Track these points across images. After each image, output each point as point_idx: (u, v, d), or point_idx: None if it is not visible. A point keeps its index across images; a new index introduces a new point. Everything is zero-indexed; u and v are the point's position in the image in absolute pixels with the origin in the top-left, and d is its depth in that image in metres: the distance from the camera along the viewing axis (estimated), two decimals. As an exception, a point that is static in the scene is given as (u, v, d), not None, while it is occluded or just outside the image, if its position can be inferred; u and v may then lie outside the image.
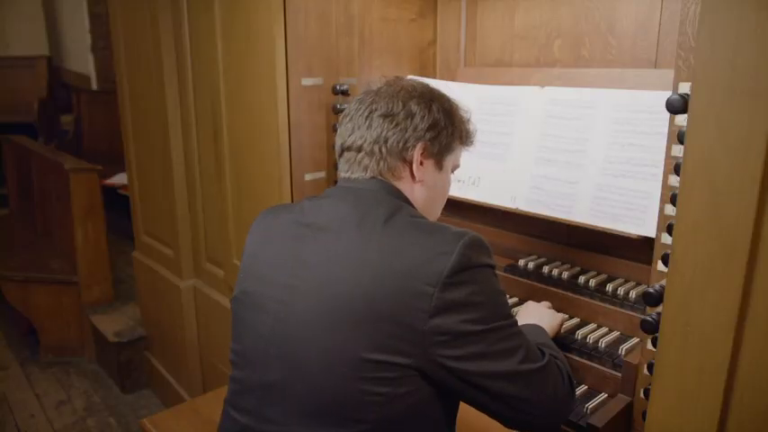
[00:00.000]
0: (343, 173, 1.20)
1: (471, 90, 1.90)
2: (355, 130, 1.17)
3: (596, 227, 1.56)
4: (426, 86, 1.21)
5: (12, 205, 4.98)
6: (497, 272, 1.11)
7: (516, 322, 1.09)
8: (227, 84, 2.18)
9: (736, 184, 0.88)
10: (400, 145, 1.14)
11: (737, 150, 0.87)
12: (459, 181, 1.88)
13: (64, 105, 7.09)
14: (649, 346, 1.22)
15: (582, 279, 1.61)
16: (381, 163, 1.15)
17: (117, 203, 4.67)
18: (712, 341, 0.94)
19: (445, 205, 1.36)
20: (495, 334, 1.02)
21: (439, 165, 1.21)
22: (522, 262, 1.75)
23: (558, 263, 1.73)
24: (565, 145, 1.64)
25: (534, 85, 1.75)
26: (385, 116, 1.14)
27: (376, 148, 1.14)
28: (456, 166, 1.29)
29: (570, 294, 1.59)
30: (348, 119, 1.19)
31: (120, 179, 4.79)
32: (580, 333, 1.49)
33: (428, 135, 1.16)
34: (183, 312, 2.72)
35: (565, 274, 1.65)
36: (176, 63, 2.51)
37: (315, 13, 1.85)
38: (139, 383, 3.28)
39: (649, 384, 1.15)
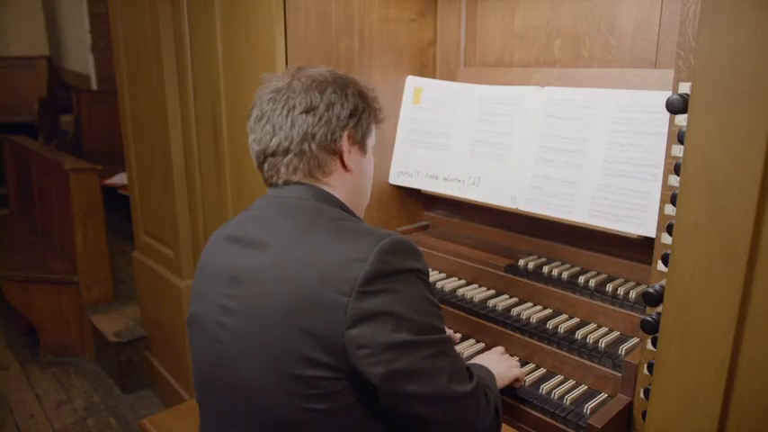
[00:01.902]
0: (270, 181, 1.14)
1: (471, 90, 1.90)
2: (277, 131, 1.08)
3: (596, 227, 1.56)
4: (333, 72, 1.15)
5: (12, 205, 4.98)
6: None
7: (445, 339, 1.01)
8: (227, 84, 2.18)
9: (736, 184, 0.88)
10: (328, 138, 1.09)
11: (737, 150, 0.87)
12: (459, 181, 1.89)
13: (64, 105, 7.09)
14: (649, 346, 1.22)
15: (582, 279, 1.61)
16: (312, 161, 1.09)
17: (117, 203, 4.67)
18: (712, 341, 0.94)
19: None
20: (419, 349, 0.95)
21: (363, 149, 1.18)
22: (522, 262, 1.75)
23: (557, 263, 1.73)
24: (565, 145, 1.64)
25: (534, 85, 1.75)
26: (307, 111, 1.07)
27: (305, 147, 1.08)
28: (374, 145, 1.24)
29: (570, 294, 1.59)
30: (264, 121, 1.10)
31: (120, 179, 4.78)
32: (580, 333, 1.49)
33: (351, 122, 1.11)
34: (182, 312, 2.72)
35: (565, 274, 1.65)
36: (176, 63, 2.51)
37: (315, 13, 1.84)
38: (139, 383, 3.27)
39: (649, 384, 1.15)
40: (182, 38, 2.42)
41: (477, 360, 1.38)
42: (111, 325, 3.35)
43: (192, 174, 2.58)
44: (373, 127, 1.20)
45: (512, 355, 1.57)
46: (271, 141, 1.09)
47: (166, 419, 1.71)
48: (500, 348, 1.54)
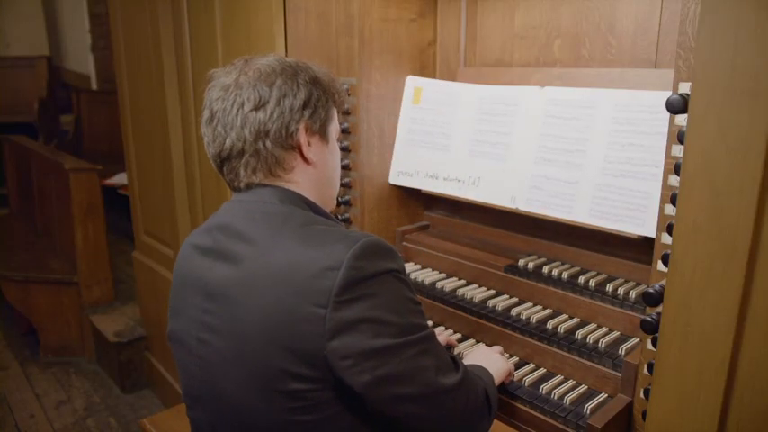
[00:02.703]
0: (232, 185, 1.09)
1: (471, 90, 1.90)
2: (229, 132, 1.03)
3: (596, 227, 1.56)
4: (282, 61, 1.08)
5: (12, 205, 4.98)
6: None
7: (430, 334, 0.99)
8: (227, 84, 2.18)
9: (736, 184, 0.88)
10: (283, 133, 1.03)
11: (737, 150, 0.87)
12: (459, 181, 1.89)
13: (64, 105, 7.10)
14: (649, 346, 1.22)
15: (582, 279, 1.61)
16: (270, 159, 1.04)
17: (117, 203, 4.68)
18: (712, 341, 0.94)
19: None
20: (402, 351, 0.93)
21: (324, 138, 1.12)
22: (522, 262, 1.75)
23: (557, 263, 1.73)
24: (565, 145, 1.64)
25: (534, 85, 1.75)
26: (257, 108, 1.01)
27: (260, 146, 1.02)
28: (337, 132, 1.18)
29: (570, 294, 1.59)
30: (215, 122, 1.05)
31: (120, 179, 4.79)
32: (580, 333, 1.49)
33: (306, 113, 1.05)
34: (182, 312, 2.72)
35: (565, 274, 1.65)
36: (176, 63, 2.51)
37: (315, 12, 1.84)
38: (139, 383, 3.28)
39: (649, 384, 1.15)
40: (182, 38, 2.42)
41: (470, 360, 1.38)
42: (111, 325, 3.36)
43: (191, 174, 2.58)
44: (334, 113, 1.14)
45: (512, 356, 1.57)
46: (224, 143, 1.04)
47: (166, 419, 1.71)
48: (482, 345, 1.57)
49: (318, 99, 1.08)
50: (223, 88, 1.04)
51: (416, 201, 2.15)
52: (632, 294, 1.52)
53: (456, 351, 1.60)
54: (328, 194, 1.17)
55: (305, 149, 1.06)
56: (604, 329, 1.51)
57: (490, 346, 1.59)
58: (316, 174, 1.10)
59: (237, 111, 1.02)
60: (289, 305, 0.91)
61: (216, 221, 1.08)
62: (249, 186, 1.06)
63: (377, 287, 0.92)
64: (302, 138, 1.05)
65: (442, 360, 1.01)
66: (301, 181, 1.08)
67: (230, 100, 1.03)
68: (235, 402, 0.99)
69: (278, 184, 1.06)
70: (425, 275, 1.88)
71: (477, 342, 1.65)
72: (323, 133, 1.11)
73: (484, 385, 1.12)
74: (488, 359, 1.39)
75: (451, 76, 2.06)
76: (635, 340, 1.44)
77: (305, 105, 1.05)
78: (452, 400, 1.01)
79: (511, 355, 1.57)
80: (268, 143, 1.03)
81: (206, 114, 1.07)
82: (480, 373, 1.23)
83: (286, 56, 1.84)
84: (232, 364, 0.97)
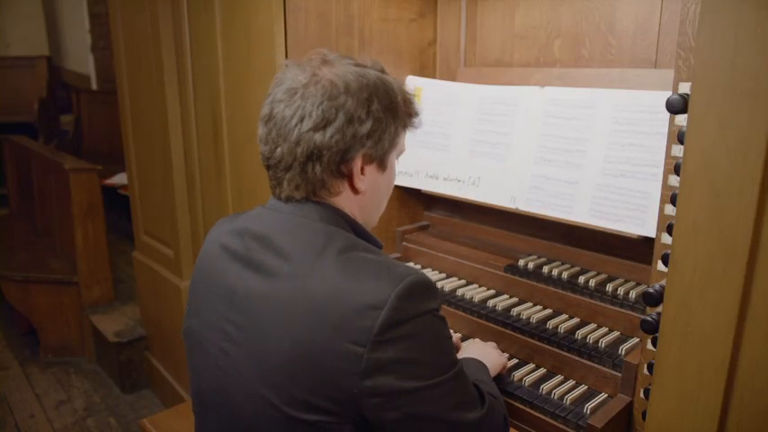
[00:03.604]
0: (273, 191, 1.04)
1: (471, 90, 1.90)
2: (281, 143, 0.97)
3: (596, 227, 1.56)
4: (360, 76, 0.99)
5: (12, 205, 4.98)
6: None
7: (459, 370, 0.98)
8: (227, 84, 2.18)
9: (736, 184, 0.88)
10: (337, 158, 0.97)
11: (737, 150, 0.87)
12: (459, 181, 1.89)
13: (64, 105, 7.10)
14: (649, 346, 1.22)
15: (582, 279, 1.61)
16: (316, 182, 0.98)
17: (117, 203, 4.68)
18: (712, 341, 0.94)
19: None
20: (434, 390, 0.92)
21: (382, 167, 1.05)
22: (522, 262, 1.75)
23: (558, 263, 1.73)
24: (565, 145, 1.64)
25: (534, 85, 1.75)
26: (316, 128, 0.95)
27: (308, 168, 0.97)
28: (401, 152, 1.11)
29: (570, 294, 1.59)
30: (272, 124, 0.99)
31: (120, 179, 4.79)
32: (580, 333, 1.49)
33: (369, 142, 0.99)
34: (182, 312, 2.71)
35: (565, 274, 1.65)
36: (176, 63, 2.51)
37: (315, 13, 1.84)
38: (139, 383, 3.27)
39: (649, 384, 1.15)
40: (182, 38, 2.42)
41: (466, 353, 1.39)
42: (111, 325, 3.35)
43: (192, 174, 2.58)
44: (401, 138, 1.08)
45: (512, 356, 1.57)
46: (275, 151, 0.98)
47: (166, 419, 1.71)
48: (477, 340, 1.58)
49: (387, 128, 1.01)
50: (289, 92, 0.98)
51: (416, 201, 2.15)
52: (632, 294, 1.52)
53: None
54: (372, 218, 1.12)
55: (356, 179, 1.01)
56: (604, 329, 1.51)
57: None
58: (362, 200, 1.05)
59: (296, 124, 0.96)
60: (323, 338, 0.87)
61: (249, 227, 1.03)
62: (289, 200, 1.01)
63: (417, 328, 0.90)
64: (356, 167, 1.00)
65: (470, 395, 1.00)
66: (345, 205, 1.03)
67: (292, 108, 0.96)
68: (249, 419, 0.96)
69: (320, 201, 1.01)
70: (425, 275, 1.88)
71: (477, 342, 1.65)
72: (381, 161, 1.04)
73: (504, 413, 1.11)
74: (483, 352, 1.41)
75: (451, 76, 2.06)
76: (635, 340, 1.44)
77: (369, 135, 0.98)
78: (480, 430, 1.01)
79: (511, 356, 1.57)
80: (318, 168, 0.97)
81: (265, 110, 1.01)
82: (477, 367, 1.25)
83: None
84: (250, 381, 0.94)
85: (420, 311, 0.90)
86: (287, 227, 0.99)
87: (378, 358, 0.86)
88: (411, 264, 1.99)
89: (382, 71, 1.05)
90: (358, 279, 0.89)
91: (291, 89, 0.98)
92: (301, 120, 0.95)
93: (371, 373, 0.86)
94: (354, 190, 1.02)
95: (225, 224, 1.11)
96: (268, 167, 1.03)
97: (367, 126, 0.98)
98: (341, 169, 0.99)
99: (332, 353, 0.87)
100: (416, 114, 1.09)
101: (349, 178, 1.01)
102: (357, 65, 1.02)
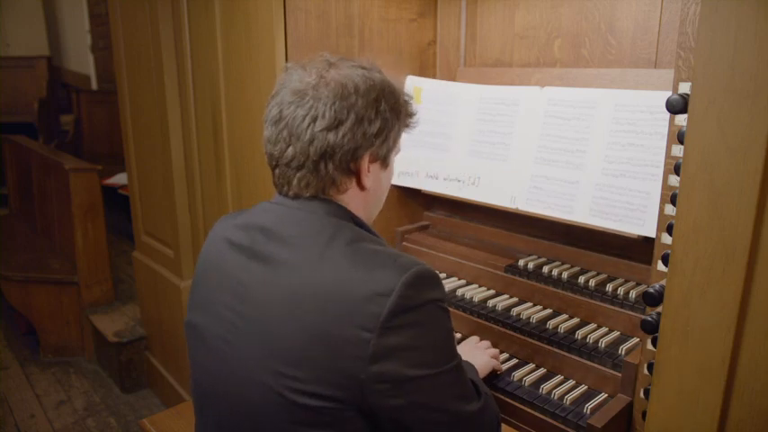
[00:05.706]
0: (280, 189, 1.07)
1: (471, 90, 1.90)
2: (294, 142, 1.00)
3: (596, 227, 1.56)
4: (367, 77, 1.03)
5: (12, 205, 4.98)
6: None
7: (460, 361, 1.01)
8: (227, 84, 2.18)
9: (736, 184, 0.88)
10: (348, 157, 1.01)
11: (737, 150, 0.87)
12: (459, 181, 1.89)
13: (64, 105, 7.10)
14: (649, 346, 1.22)
15: (582, 279, 1.61)
16: (327, 180, 1.02)
17: (117, 203, 4.68)
18: (712, 341, 0.94)
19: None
20: (438, 379, 0.95)
21: (385, 164, 1.11)
22: (522, 262, 1.75)
23: (557, 263, 1.73)
24: (565, 145, 1.64)
25: (534, 85, 1.75)
26: (329, 128, 0.98)
27: (321, 166, 1.00)
28: (398, 151, 1.16)
29: (570, 294, 1.59)
30: (282, 125, 1.01)
31: (120, 179, 4.79)
32: (580, 333, 1.49)
33: (377, 141, 1.03)
34: (183, 312, 2.72)
35: (565, 274, 1.65)
36: (176, 63, 2.51)
37: (315, 13, 1.84)
38: (139, 383, 3.27)
39: (649, 384, 1.15)
40: (182, 38, 2.42)
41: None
42: (111, 325, 3.36)
43: (192, 174, 2.58)
44: (401, 138, 1.13)
45: (512, 356, 1.57)
46: (286, 151, 1.01)
47: (166, 419, 1.71)
48: (475, 338, 1.60)
49: (392, 128, 1.06)
50: (298, 93, 1.00)
51: (416, 201, 2.15)
52: (632, 294, 1.52)
53: None
54: (373, 213, 1.17)
55: (363, 176, 1.05)
56: (604, 329, 1.51)
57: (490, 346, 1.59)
58: (366, 197, 1.09)
59: (309, 125, 0.98)
60: (331, 325, 0.89)
61: (254, 221, 1.05)
62: (297, 197, 1.04)
63: (423, 317, 0.93)
64: (364, 165, 1.04)
65: (467, 387, 1.03)
66: (350, 201, 1.07)
67: (304, 109, 0.99)
68: (252, 408, 0.98)
69: (327, 198, 1.05)
70: (425, 275, 1.88)
71: (478, 342, 1.65)
72: (384, 159, 1.09)
73: (497, 411, 1.13)
74: (472, 354, 1.43)
75: (451, 76, 2.06)
76: (635, 340, 1.45)
77: (377, 134, 1.03)
78: (475, 426, 1.04)
79: (511, 356, 1.57)
80: (330, 166, 1.01)
81: (273, 113, 1.02)
82: (467, 367, 1.25)
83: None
84: (255, 370, 0.96)
85: (426, 300, 0.93)
86: (294, 219, 1.01)
87: (385, 344, 0.88)
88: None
89: (380, 73, 1.09)
90: (366, 268, 0.92)
91: (300, 90, 1.00)
92: (314, 120, 0.98)
93: (378, 358, 0.89)
94: (361, 186, 1.07)
95: (228, 220, 1.13)
96: (276, 167, 1.05)
97: (376, 126, 1.02)
98: (350, 167, 1.03)
99: (339, 339, 0.89)
100: (414, 114, 1.14)
101: (357, 175, 1.05)
102: (361, 67, 1.06)
